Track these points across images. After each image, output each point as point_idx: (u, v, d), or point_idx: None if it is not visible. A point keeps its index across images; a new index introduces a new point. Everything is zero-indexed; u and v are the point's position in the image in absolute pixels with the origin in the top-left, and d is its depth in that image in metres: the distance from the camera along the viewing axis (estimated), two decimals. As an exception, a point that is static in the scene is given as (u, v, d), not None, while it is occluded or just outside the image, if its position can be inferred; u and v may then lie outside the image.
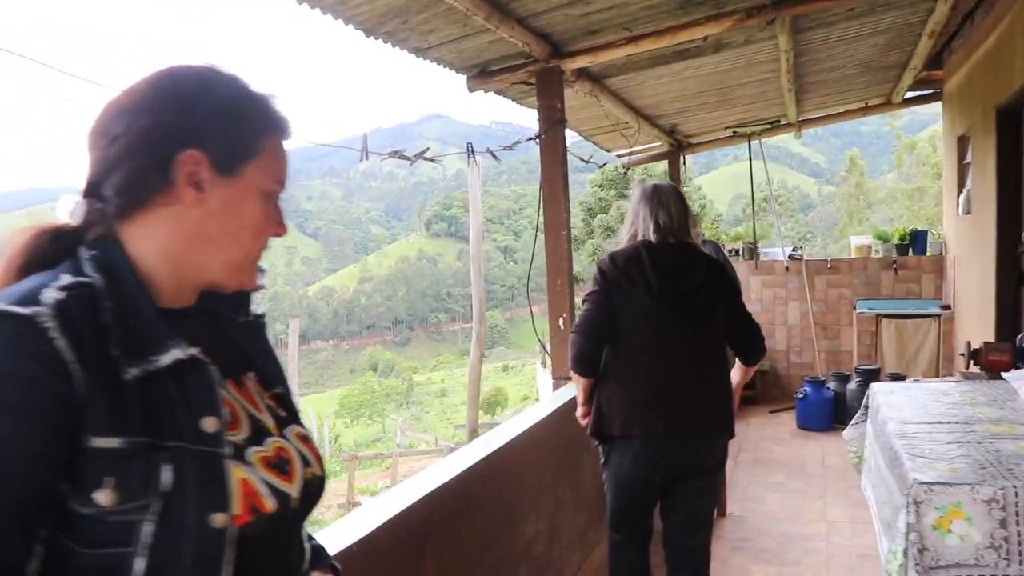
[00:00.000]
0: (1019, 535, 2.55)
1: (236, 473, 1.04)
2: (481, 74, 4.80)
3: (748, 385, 6.50)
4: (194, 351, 1.02)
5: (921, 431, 3.29)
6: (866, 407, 4.39)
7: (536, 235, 4.80)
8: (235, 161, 1.08)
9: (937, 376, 7.84)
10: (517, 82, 4.81)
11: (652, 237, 3.19)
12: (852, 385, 7.49)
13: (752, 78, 6.40)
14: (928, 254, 8.58)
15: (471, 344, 8.92)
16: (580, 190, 30.57)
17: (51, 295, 0.95)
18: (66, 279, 0.98)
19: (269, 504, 1.07)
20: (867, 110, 8.75)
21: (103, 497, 0.94)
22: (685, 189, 23.12)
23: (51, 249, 1.04)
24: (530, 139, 4.57)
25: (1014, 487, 2.57)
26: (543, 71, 4.65)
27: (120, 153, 1.04)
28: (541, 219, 4.72)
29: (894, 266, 8.56)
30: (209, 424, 1.02)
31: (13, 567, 0.91)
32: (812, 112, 8.45)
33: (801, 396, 7.59)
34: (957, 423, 3.42)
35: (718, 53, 5.44)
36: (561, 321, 4.52)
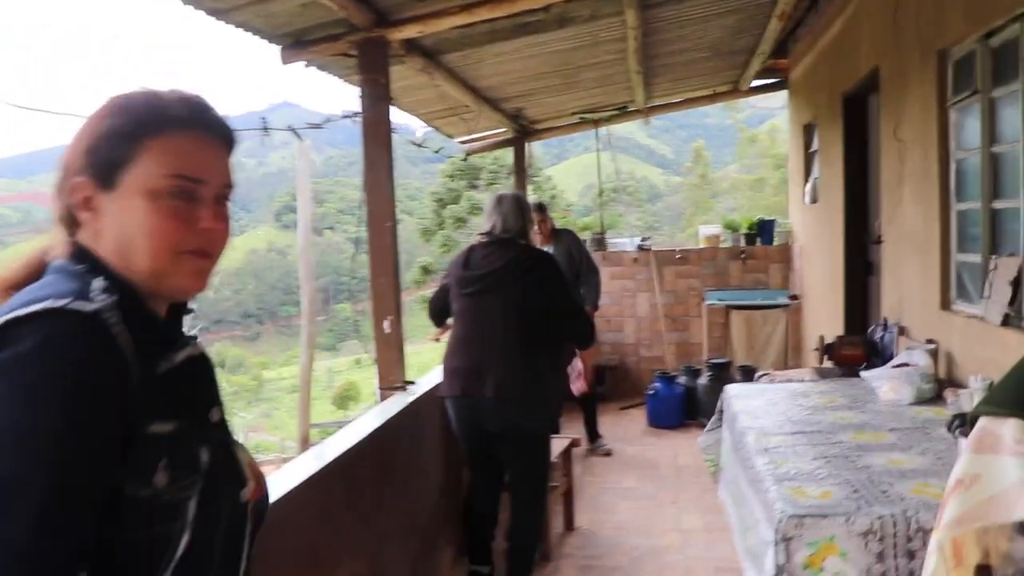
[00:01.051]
0: (897, 569, 2.22)
1: (242, 454, 1.21)
2: (296, 44, 4.22)
3: (598, 380, 6.12)
4: (202, 347, 1.17)
5: (783, 444, 2.96)
6: (721, 411, 4.08)
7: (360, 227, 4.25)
8: (111, 173, 1.10)
9: (786, 367, 7.75)
10: (337, 54, 4.26)
11: (481, 238, 3.86)
12: (703, 380, 7.27)
13: (599, 58, 6.05)
14: (775, 244, 8.49)
15: (300, 347, 8.26)
16: (431, 180, 30.19)
17: (101, 296, 1.02)
18: (98, 283, 1.05)
19: (264, 485, 1.25)
20: (714, 97, 8.61)
21: (160, 478, 1.01)
22: (535, 179, 22.83)
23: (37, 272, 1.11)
24: (346, 116, 4.02)
25: (892, 516, 2.24)
26: (365, 41, 4.10)
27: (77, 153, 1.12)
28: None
29: (742, 256, 8.44)
30: (215, 414, 1.17)
31: (86, 553, 0.94)
32: (661, 98, 8.22)
33: (652, 392, 7.33)
34: (820, 432, 3.12)
35: (562, 29, 5.03)
36: (387, 324, 3.99)
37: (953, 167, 4.05)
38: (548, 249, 6.20)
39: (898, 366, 3.72)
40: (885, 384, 3.62)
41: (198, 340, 1.25)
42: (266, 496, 1.27)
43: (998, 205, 3.65)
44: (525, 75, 6.18)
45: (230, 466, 1.15)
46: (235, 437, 1.22)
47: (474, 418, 3.70)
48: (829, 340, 4.89)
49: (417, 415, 3.96)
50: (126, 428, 0.98)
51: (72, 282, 1.03)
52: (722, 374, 7.23)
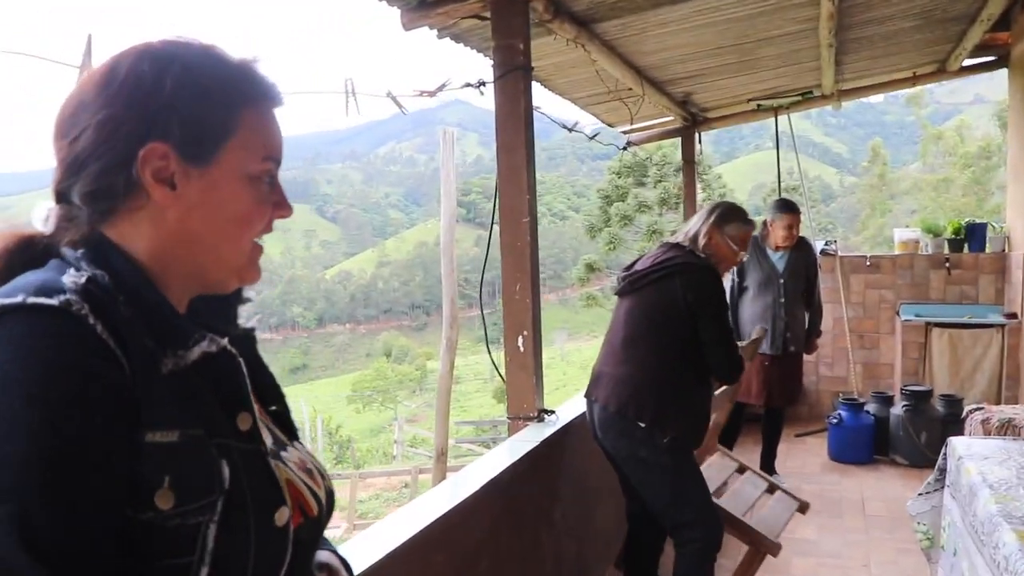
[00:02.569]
0: None
1: (281, 472, 0.99)
2: (420, 5, 3.55)
3: (789, 395, 5.45)
4: (223, 342, 0.96)
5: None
6: (942, 470, 3.10)
7: (493, 225, 3.51)
8: (207, 146, 0.95)
9: (999, 400, 6.52)
10: (468, 16, 3.56)
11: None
12: (897, 409, 6.17)
13: (783, 30, 5.10)
14: (987, 251, 7.22)
15: (440, 349, 7.63)
16: (599, 177, 30.17)
17: (71, 282, 0.86)
18: (72, 272, 0.88)
19: (313, 506, 1.03)
20: (915, 80, 7.39)
21: (161, 499, 0.85)
22: (704, 177, 21.92)
23: (20, 260, 0.93)
24: (469, 85, 3.29)
25: None
26: (499, 1, 3.39)
27: (79, 156, 0.93)
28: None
29: (947, 265, 7.21)
30: (244, 420, 0.96)
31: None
32: (852, 81, 7.10)
33: (835, 420, 6.28)
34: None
35: (740, -11, 4.15)
36: (520, 341, 3.25)
37: None
38: (783, 255, 5.42)
39: None
40: None
41: (253, 330, 1.13)
42: (320, 519, 1.05)
43: None
44: (695, 50, 5.30)
45: (261, 485, 0.93)
46: (285, 444, 1.08)
47: (592, 427, 3.28)
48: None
49: (561, 450, 3.26)
50: (121, 438, 0.84)
51: (35, 275, 0.88)
52: (920, 404, 6.13)
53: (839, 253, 7.59)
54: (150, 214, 0.95)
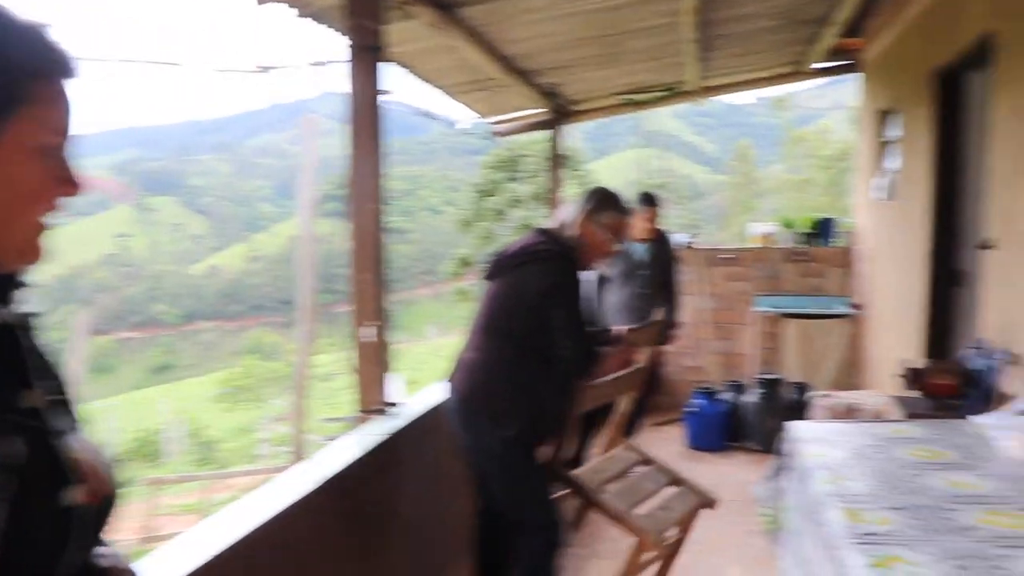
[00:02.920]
0: None
1: (68, 454, 0.97)
2: (275, -21, 3.44)
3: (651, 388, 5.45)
4: (13, 315, 0.95)
5: (884, 531, 2.09)
6: (784, 455, 3.21)
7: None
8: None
9: (844, 386, 6.83)
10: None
11: None
12: (751, 397, 6.38)
13: (647, 22, 5.18)
14: (836, 245, 7.55)
15: (299, 343, 7.48)
16: (473, 172, 30.08)
17: None
18: None
19: (107, 487, 1.03)
20: (775, 80, 7.67)
21: None
22: (576, 172, 22.17)
23: None
24: (317, 64, 3.21)
25: None
26: (352, -24, 3.31)
27: None
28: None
29: (800, 258, 7.51)
30: (29, 398, 0.92)
31: None
32: (715, 78, 7.31)
33: (693, 409, 6.45)
34: (933, 508, 2.24)
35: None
36: (367, 331, 3.17)
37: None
38: (645, 247, 5.44)
39: (1027, 411, 2.84)
40: (1012, 436, 2.74)
41: (33, 315, 1.03)
42: (110, 501, 1.03)
43: None
44: (561, 40, 5.33)
45: (48, 465, 0.91)
46: (71, 425, 1.01)
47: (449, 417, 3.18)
48: (914, 364, 4.00)
49: (410, 443, 3.19)
50: None
51: None
52: (772, 392, 6.35)
53: (699, 247, 7.80)
54: None
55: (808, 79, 7.61)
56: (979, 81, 4.80)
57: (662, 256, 5.65)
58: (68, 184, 0.99)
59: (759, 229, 7.88)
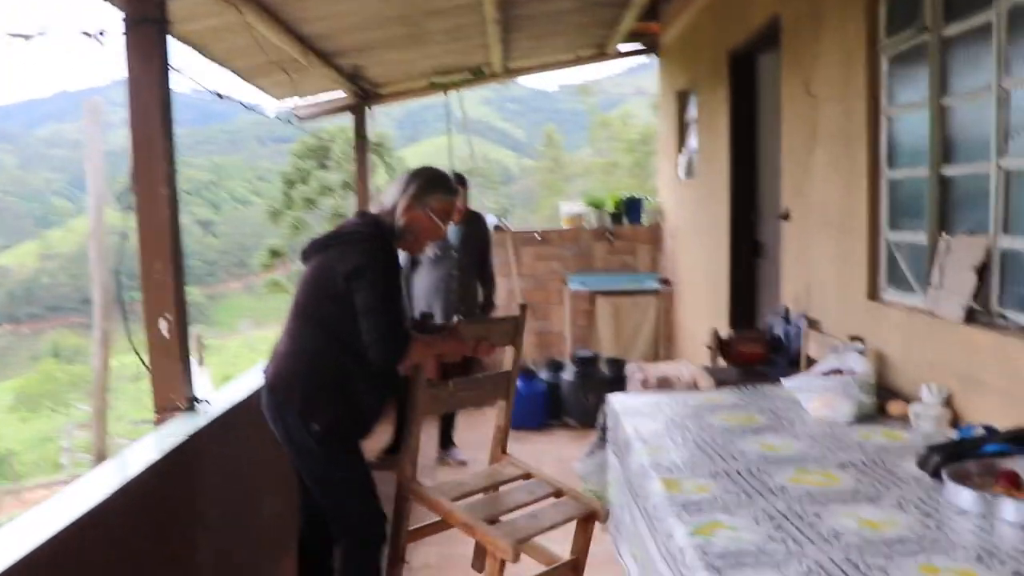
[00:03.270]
0: None
1: None
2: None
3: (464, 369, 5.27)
4: None
5: (705, 497, 2.10)
6: (604, 428, 3.22)
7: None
8: None
9: (657, 358, 7.04)
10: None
11: None
12: (567, 375, 6.45)
13: (450, 2, 5.09)
14: (644, 223, 7.76)
15: (96, 343, 7.00)
16: (281, 160, 29.28)
17: None
18: None
19: None
20: (578, 62, 7.78)
21: None
22: (387, 160, 21.79)
23: None
24: (88, 35, 2.91)
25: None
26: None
27: None
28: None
29: (609, 237, 7.67)
30: None
31: None
32: (520, 60, 7.32)
33: (512, 390, 6.46)
34: (751, 473, 2.28)
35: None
36: (164, 325, 2.93)
37: (885, 126, 3.31)
38: (456, 228, 5.32)
39: (828, 373, 2.95)
40: (815, 397, 2.84)
41: None
42: None
43: (950, 172, 2.92)
44: (361, 19, 5.15)
45: None
46: None
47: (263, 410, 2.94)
48: (722, 334, 4.13)
49: (217, 441, 2.98)
50: None
51: None
52: (589, 369, 6.45)
53: (510, 228, 7.82)
54: None
55: (610, 61, 7.76)
56: (770, 62, 5.01)
57: (475, 237, 5.58)
58: None
59: (569, 210, 7.99)
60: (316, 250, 2.86)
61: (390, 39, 5.72)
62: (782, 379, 3.07)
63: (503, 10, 5.32)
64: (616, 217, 7.77)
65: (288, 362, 2.81)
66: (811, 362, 3.80)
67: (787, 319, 4.18)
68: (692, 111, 6.59)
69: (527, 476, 3.28)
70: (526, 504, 3.07)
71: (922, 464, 2.19)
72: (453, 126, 8.13)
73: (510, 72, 7.54)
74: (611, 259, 7.68)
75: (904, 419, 2.74)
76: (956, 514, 1.93)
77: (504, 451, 3.42)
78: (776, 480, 2.20)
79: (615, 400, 3.20)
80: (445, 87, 7.46)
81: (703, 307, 5.98)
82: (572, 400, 6.36)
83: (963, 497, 1.97)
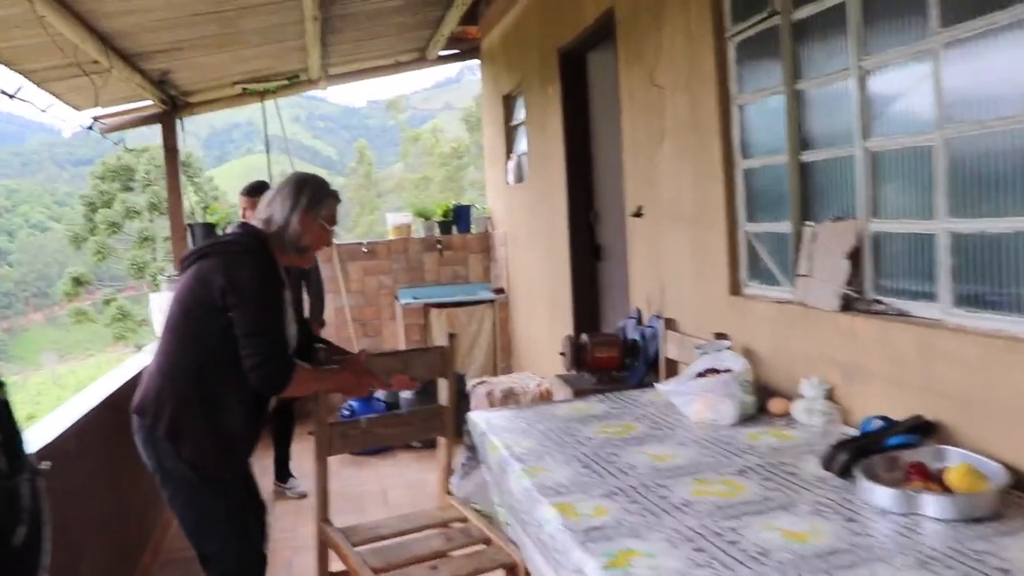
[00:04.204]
0: None
1: None
2: None
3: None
4: None
5: (604, 521, 1.87)
6: (471, 447, 2.95)
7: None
8: None
9: (495, 371, 6.84)
10: None
11: None
12: (407, 393, 6.13)
13: (265, -2, 4.71)
14: (473, 232, 7.56)
15: None
16: (82, 184, 27.54)
17: None
18: None
19: None
20: (399, 67, 7.50)
21: None
22: (196, 180, 20.80)
23: None
24: None
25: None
26: None
27: None
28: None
29: (439, 247, 7.41)
30: None
31: None
32: (339, 65, 6.97)
33: (348, 413, 6.09)
34: (647, 487, 2.07)
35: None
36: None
37: (736, 115, 3.21)
38: None
39: (704, 373, 2.80)
40: (694, 400, 2.68)
41: None
42: None
43: (810, 157, 2.84)
44: (168, 16, 4.68)
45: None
46: None
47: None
48: (575, 340, 3.95)
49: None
50: None
51: None
52: (429, 385, 6.15)
53: (335, 242, 7.44)
54: None
55: (431, 65, 7.53)
56: (602, 58, 4.91)
57: None
58: None
59: (396, 220, 7.68)
60: (193, 259, 2.63)
61: (200, 40, 5.26)
62: (656, 384, 2.91)
63: (323, 7, 4.98)
64: (445, 226, 7.52)
65: (157, 380, 2.56)
66: (671, 364, 3.68)
67: (639, 321, 4.05)
68: (520, 114, 6.45)
69: (463, 520, 2.94)
70: (439, 553, 2.75)
71: (827, 464, 2.05)
72: (262, 146, 7.69)
73: (329, 79, 7.17)
74: (442, 270, 7.43)
75: (786, 416, 2.62)
76: (877, 515, 1.79)
77: (449, 492, 3.09)
78: (677, 494, 2.00)
79: (479, 418, 2.93)
80: (261, 95, 7.01)
81: (544, 315, 5.82)
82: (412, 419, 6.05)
83: (881, 496, 1.83)
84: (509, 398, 5.48)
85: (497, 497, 2.61)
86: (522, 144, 6.50)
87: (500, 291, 7.06)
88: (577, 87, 5.07)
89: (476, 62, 7.60)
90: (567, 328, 5.23)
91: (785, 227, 2.96)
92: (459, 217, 7.58)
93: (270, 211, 2.68)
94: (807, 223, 2.84)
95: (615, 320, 5.07)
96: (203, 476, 2.55)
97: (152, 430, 2.52)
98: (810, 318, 2.73)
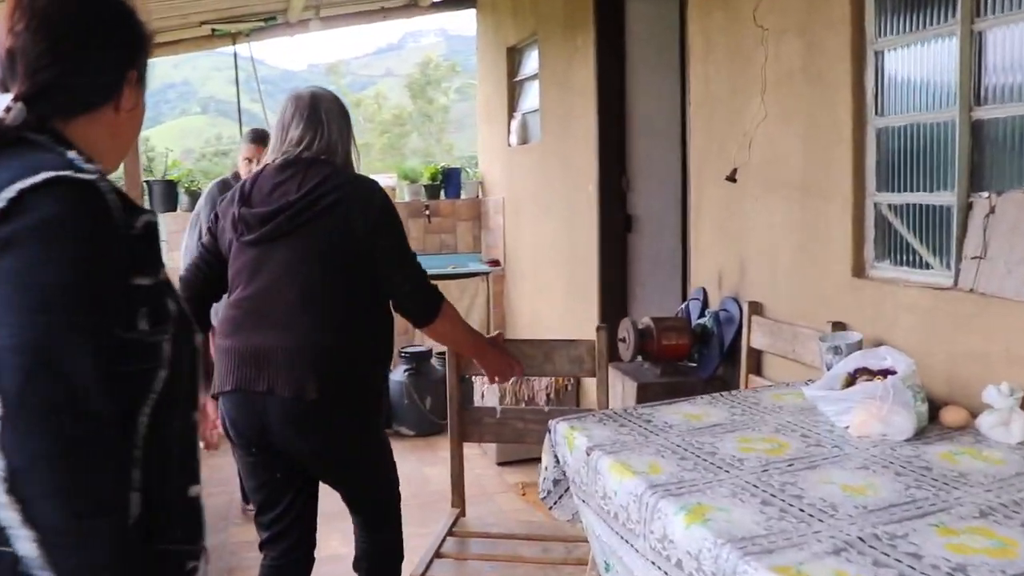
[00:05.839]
0: None
1: None
2: None
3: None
4: (155, 216, 1.25)
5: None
6: (557, 459, 2.37)
7: None
8: (144, 75, 1.32)
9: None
10: None
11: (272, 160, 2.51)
12: (396, 375, 5.53)
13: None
14: (463, 197, 6.94)
15: None
16: None
17: (89, 166, 1.14)
18: (74, 154, 1.16)
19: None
20: (385, 13, 6.83)
21: (143, 323, 1.18)
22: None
23: None
24: None
25: None
26: None
27: (81, 68, 1.23)
28: None
29: (426, 213, 6.79)
30: (164, 274, 1.26)
31: (117, 378, 1.11)
32: (325, 8, 6.29)
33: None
34: (873, 540, 1.54)
35: None
36: None
37: (872, 62, 2.67)
38: None
39: (855, 374, 2.27)
40: (857, 410, 2.14)
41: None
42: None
43: (986, 114, 2.33)
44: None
45: (183, 317, 1.26)
46: None
47: (243, 431, 2.40)
48: (638, 323, 3.39)
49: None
50: (123, 279, 1.15)
51: (48, 152, 1.15)
52: (422, 366, 5.59)
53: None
54: (107, 117, 1.26)
55: (423, 13, 6.88)
56: (644, 3, 4.37)
57: None
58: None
59: (380, 183, 7.02)
60: (303, 220, 2.34)
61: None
62: (802, 388, 2.36)
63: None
64: (433, 191, 6.90)
65: (337, 355, 2.33)
66: (755, 354, 3.16)
67: (705, 303, 3.52)
68: (528, 68, 5.85)
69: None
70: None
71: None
72: (198, 107, 6.97)
73: (308, 23, 6.48)
74: (428, 239, 6.80)
75: (967, 430, 2.11)
76: None
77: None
78: (930, 551, 1.47)
79: (577, 437, 2.32)
80: (233, 37, 6.29)
81: (558, 292, 5.26)
82: (404, 405, 5.47)
83: None
84: (523, 387, 4.91)
85: (590, 533, 2.06)
86: (528, 101, 5.90)
87: (495, 263, 6.48)
88: (614, 36, 4.50)
89: (418, 29, 7.01)
90: (589, 307, 4.70)
91: (944, 199, 2.44)
92: (448, 181, 6.95)
93: (325, 141, 2.44)
94: (978, 193, 2.33)
95: (646, 299, 4.57)
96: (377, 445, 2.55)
97: (357, 401, 2.39)
98: (989, 309, 2.22)
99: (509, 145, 6.14)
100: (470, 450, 4.02)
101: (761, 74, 3.07)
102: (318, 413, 2.28)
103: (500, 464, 4.80)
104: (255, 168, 3.90)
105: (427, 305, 2.43)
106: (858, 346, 2.50)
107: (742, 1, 3.17)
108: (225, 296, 2.52)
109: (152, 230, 1.22)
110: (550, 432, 2.38)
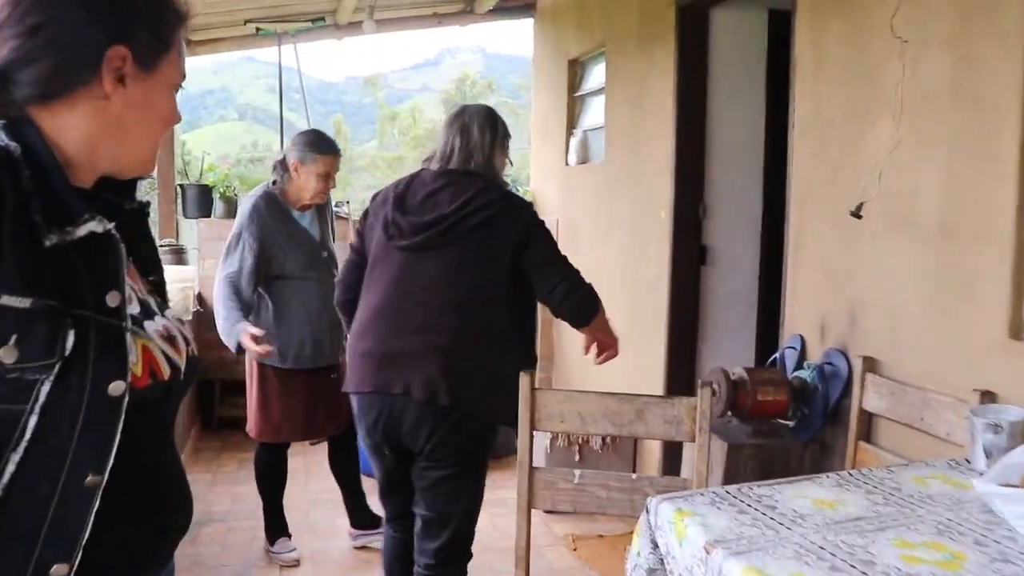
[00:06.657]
0: None
1: (138, 341, 1.09)
2: None
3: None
4: (110, 226, 1.06)
5: None
6: (655, 544, 1.94)
7: None
8: (154, 57, 1.12)
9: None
10: None
11: (427, 166, 2.70)
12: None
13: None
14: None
15: None
16: None
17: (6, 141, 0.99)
18: None
19: (165, 371, 1.13)
20: (439, 19, 6.50)
21: (4, 353, 0.96)
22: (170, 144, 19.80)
23: None
24: None
25: None
26: None
27: (45, 45, 1.05)
28: None
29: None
30: (112, 298, 1.05)
31: None
32: (378, 11, 5.95)
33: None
34: None
35: None
36: None
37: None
38: (310, 216, 3.84)
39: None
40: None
41: (148, 204, 1.27)
42: (172, 382, 1.15)
43: None
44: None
45: (107, 358, 1.03)
46: (154, 314, 1.18)
47: (373, 423, 2.56)
48: (731, 372, 2.96)
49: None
50: None
51: None
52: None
53: (351, 216, 6.35)
54: (94, 104, 1.08)
55: (478, 21, 6.53)
56: (731, 15, 3.98)
57: (329, 223, 4.10)
58: (177, 117, 1.21)
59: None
60: (463, 230, 2.50)
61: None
62: (974, 481, 1.92)
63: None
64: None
65: (471, 362, 2.48)
66: (867, 416, 2.72)
67: (803, 354, 3.09)
68: (592, 82, 5.46)
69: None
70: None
71: None
72: (236, 114, 6.67)
73: (358, 26, 6.14)
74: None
75: None
76: None
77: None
78: None
79: (689, 526, 1.89)
80: (278, 36, 5.97)
81: (616, 325, 4.82)
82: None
83: None
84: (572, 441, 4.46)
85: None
86: (590, 118, 5.50)
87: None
88: (696, 51, 4.10)
89: (456, 45, 6.65)
90: (655, 345, 4.27)
91: None
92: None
93: (479, 154, 2.60)
94: None
95: (718, 340, 4.15)
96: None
97: (456, 406, 2.46)
98: None
99: (567, 164, 5.73)
100: (508, 493, 3.67)
101: (895, 94, 2.64)
102: (447, 416, 2.44)
103: (545, 512, 4.37)
104: (331, 184, 3.61)
105: (583, 313, 2.64)
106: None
107: (873, 8, 2.74)
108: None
109: (99, 243, 1.05)
110: (648, 512, 1.96)
